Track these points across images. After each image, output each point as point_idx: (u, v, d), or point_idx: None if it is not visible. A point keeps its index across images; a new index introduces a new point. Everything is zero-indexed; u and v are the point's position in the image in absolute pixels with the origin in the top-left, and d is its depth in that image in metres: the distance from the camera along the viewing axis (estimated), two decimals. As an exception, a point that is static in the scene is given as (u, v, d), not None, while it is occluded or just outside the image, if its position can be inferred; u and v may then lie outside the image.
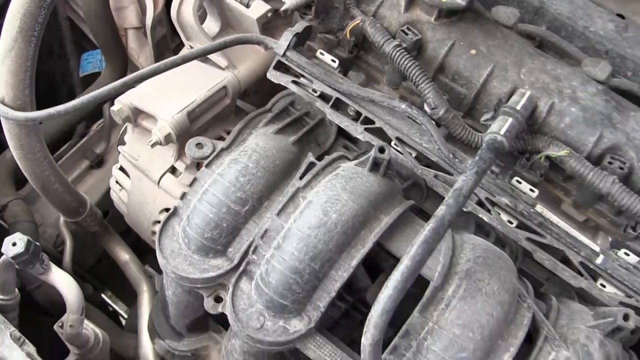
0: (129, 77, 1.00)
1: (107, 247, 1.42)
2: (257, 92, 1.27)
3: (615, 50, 1.16)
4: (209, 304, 0.93)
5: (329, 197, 0.90)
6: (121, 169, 1.21)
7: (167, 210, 1.16)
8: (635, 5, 1.27)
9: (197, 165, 1.18)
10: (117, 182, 1.24)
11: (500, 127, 0.96)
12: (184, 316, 1.07)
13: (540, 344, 0.87)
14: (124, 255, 1.41)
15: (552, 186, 1.08)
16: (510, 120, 0.97)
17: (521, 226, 1.00)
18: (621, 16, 1.22)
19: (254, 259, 0.92)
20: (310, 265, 0.87)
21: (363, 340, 0.77)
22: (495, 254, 0.93)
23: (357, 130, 1.07)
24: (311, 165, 0.98)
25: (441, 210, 0.82)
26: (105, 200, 1.49)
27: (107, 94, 1.02)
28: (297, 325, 0.90)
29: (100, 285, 1.76)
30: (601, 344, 0.86)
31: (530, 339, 0.89)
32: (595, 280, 0.98)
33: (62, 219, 1.39)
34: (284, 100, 1.15)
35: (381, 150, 0.95)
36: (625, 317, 0.85)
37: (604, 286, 0.97)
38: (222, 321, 1.13)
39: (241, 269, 0.93)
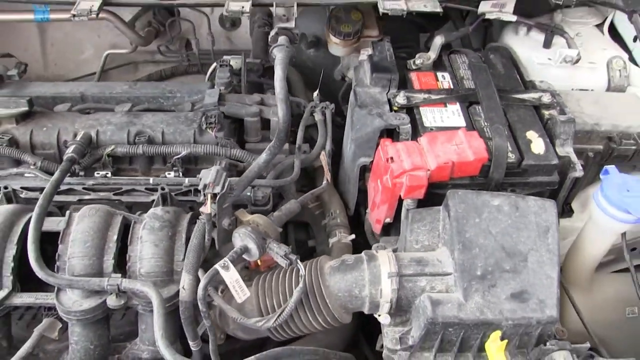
0: None
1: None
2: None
3: (132, 95, 2.03)
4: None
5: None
6: None
7: None
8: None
9: None
10: None
11: (67, 152, 1.73)
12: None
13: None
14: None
15: (132, 173, 1.88)
16: (71, 147, 1.74)
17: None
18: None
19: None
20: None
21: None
22: (95, 208, 1.62)
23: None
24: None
25: (38, 204, 1.54)
26: None
27: None
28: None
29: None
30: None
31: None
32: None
33: None
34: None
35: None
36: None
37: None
38: None
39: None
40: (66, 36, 2.62)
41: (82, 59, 2.67)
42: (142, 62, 2.66)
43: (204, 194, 1.48)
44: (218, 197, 1.47)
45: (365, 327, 1.90)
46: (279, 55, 1.68)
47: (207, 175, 1.50)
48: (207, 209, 1.47)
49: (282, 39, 1.71)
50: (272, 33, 1.76)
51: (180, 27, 2.53)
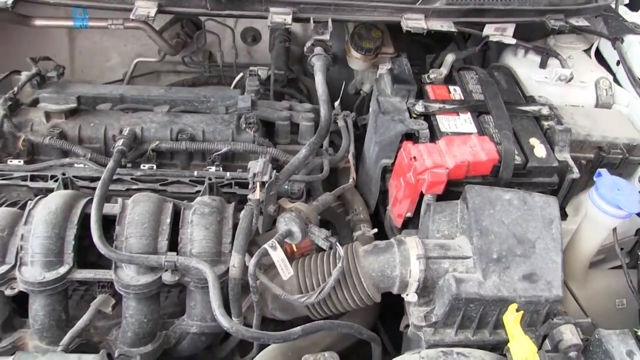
0: None
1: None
2: None
3: (169, 98, 2.20)
4: (8, 291, 1.61)
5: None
6: None
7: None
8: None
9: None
10: None
11: (117, 144, 1.89)
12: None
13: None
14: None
15: (173, 167, 2.04)
16: (120, 140, 1.90)
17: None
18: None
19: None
20: (53, 231, 1.64)
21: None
22: (148, 195, 1.78)
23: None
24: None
25: (98, 189, 1.68)
26: None
27: None
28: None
29: None
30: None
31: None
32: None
33: None
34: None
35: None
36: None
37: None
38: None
39: (18, 262, 1.64)
40: (94, 44, 2.78)
41: (108, 66, 2.83)
42: (164, 71, 2.83)
43: (254, 182, 1.65)
44: (266, 185, 1.64)
45: (382, 317, 2.08)
46: (317, 63, 1.89)
47: (255, 166, 1.67)
48: (256, 195, 1.64)
49: (318, 49, 1.92)
50: (308, 44, 1.96)
51: (205, 39, 2.71)
